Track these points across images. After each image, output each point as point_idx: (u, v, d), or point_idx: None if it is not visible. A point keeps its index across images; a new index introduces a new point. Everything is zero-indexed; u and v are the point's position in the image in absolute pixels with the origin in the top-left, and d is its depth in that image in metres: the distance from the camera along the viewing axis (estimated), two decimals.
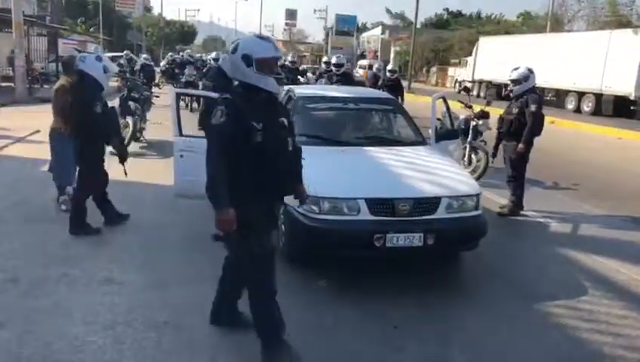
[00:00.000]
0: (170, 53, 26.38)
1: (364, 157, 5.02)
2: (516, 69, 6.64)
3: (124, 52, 21.59)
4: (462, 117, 8.42)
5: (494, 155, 6.90)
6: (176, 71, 19.30)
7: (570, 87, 22.35)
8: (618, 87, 19.86)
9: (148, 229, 5.65)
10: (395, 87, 11.68)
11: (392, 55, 45.16)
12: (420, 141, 5.62)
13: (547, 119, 6.81)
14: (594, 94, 21.22)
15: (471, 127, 8.20)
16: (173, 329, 3.63)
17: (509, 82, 6.74)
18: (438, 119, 9.13)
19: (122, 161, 5.70)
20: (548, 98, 23.11)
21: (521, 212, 6.58)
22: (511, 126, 6.44)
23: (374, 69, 15.45)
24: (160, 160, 9.25)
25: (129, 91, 9.73)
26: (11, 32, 17.00)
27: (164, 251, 5.08)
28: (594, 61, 20.86)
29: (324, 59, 11.62)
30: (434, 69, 44.41)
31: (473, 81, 30.12)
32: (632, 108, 20.21)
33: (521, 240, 5.99)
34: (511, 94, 6.68)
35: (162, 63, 22.61)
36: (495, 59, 27.09)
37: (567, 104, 22.96)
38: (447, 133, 5.96)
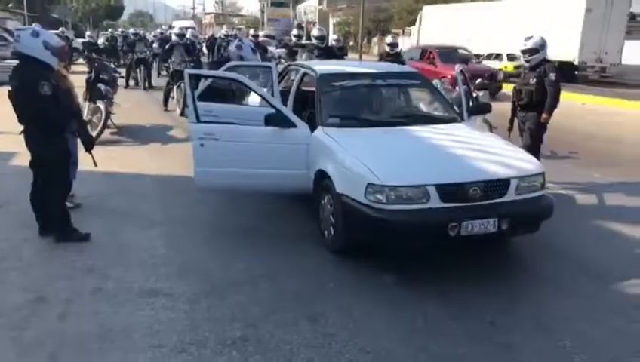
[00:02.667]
0: (109, 30, 24.74)
1: (413, 139, 4.65)
2: (529, 38, 6.44)
3: (60, 29, 19.95)
4: (458, 89, 8.16)
5: (510, 129, 6.67)
6: (125, 48, 18.00)
7: (520, 55, 22.65)
8: (563, 53, 20.35)
9: (163, 225, 5.12)
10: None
11: (330, 26, 44.56)
12: (455, 118, 5.30)
13: None
14: None
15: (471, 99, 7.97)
16: (256, 346, 3.19)
17: (521, 53, 6.53)
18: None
19: (88, 148, 4.87)
20: None
21: None
22: (532, 97, 6.27)
23: (332, 41, 14.62)
24: (139, 146, 8.52)
25: (97, 73, 8.82)
26: None
27: (196, 249, 4.60)
28: (541, 27, 21.20)
29: (314, 32, 10.70)
30: (375, 40, 44.29)
31: None
32: (575, 73, 20.87)
33: (556, 214, 5.86)
34: (526, 64, 6.49)
35: (100, 41, 21.03)
36: (440, 28, 27.13)
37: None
38: (479, 108, 5.69)
